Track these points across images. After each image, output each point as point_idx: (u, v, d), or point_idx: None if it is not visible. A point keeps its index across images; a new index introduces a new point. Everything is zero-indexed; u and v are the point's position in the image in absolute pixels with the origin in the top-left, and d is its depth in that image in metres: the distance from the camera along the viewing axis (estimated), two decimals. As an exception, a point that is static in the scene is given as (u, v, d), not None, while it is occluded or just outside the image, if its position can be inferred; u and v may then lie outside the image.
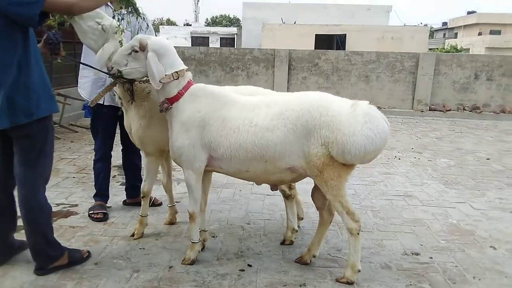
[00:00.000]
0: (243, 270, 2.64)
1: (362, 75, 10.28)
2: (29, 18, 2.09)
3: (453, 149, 6.47)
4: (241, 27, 28.49)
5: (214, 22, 59.92)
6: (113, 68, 2.59)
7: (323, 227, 2.70)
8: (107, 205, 3.55)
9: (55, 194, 3.88)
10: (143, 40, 2.48)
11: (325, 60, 10.30)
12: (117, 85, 2.81)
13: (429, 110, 10.05)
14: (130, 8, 2.84)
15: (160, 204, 3.73)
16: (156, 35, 3.05)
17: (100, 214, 3.35)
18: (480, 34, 39.79)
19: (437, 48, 35.39)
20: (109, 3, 3.04)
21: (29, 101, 2.23)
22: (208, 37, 33.74)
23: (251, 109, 2.41)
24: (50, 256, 2.50)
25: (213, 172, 2.77)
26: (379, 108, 2.55)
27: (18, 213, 2.50)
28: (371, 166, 5.04)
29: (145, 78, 2.65)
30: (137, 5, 2.97)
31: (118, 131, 3.57)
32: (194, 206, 2.64)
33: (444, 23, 51.16)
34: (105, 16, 2.66)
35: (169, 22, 52.62)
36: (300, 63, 10.28)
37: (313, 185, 2.62)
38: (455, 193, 4.32)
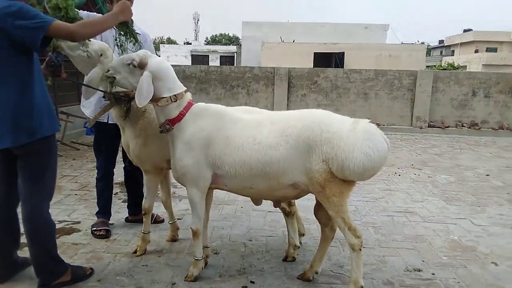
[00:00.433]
0: (246, 287, 2.64)
1: (361, 92, 10.39)
2: (32, 43, 2.14)
3: (452, 165, 6.51)
4: (240, 45, 28.89)
5: (214, 40, 60.75)
6: (107, 92, 2.65)
7: (325, 243, 2.72)
8: (109, 222, 3.57)
9: (58, 211, 3.89)
10: (143, 60, 2.48)
11: (324, 78, 10.43)
12: (113, 106, 2.87)
13: (428, 127, 10.12)
14: (128, 35, 2.88)
15: (162, 221, 3.74)
16: (156, 54, 3.12)
17: (102, 231, 3.36)
18: (476, 51, 40.31)
19: (434, 66, 35.81)
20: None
21: (31, 121, 2.26)
22: (208, 55, 34.19)
23: (255, 127, 2.46)
24: (54, 272, 2.51)
25: (215, 189, 2.80)
26: (378, 125, 2.60)
27: (22, 230, 2.51)
28: (372, 183, 5.06)
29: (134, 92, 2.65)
30: (136, 30, 3.04)
31: (120, 148, 3.61)
32: (198, 223, 2.66)
33: (441, 41, 51.90)
34: (91, 42, 2.70)
35: (170, 41, 53.32)
36: (300, 80, 10.41)
37: (315, 202, 2.65)
38: (456, 209, 4.33)
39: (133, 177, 3.69)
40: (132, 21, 2.99)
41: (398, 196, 4.74)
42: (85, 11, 3.06)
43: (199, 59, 32.87)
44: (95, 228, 3.39)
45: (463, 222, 3.96)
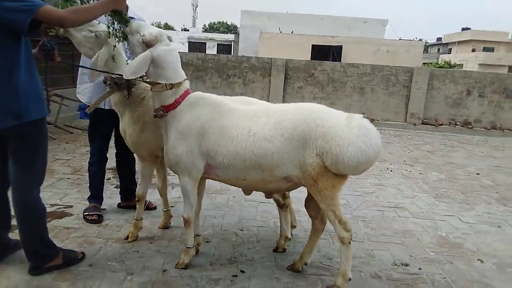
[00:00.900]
0: (236, 276, 2.67)
1: (357, 87, 10.41)
2: (20, 25, 2.11)
3: (444, 163, 6.58)
4: (238, 34, 28.69)
5: (212, 28, 60.19)
6: (108, 78, 2.64)
7: (315, 236, 2.75)
8: (101, 207, 3.57)
9: (50, 194, 3.89)
10: (151, 41, 2.43)
11: (321, 70, 10.42)
12: (114, 92, 2.86)
13: (422, 124, 10.19)
14: (121, 23, 2.83)
15: (155, 208, 3.76)
16: None
17: (95, 216, 3.37)
18: (473, 50, 40.45)
19: (431, 63, 35.89)
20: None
21: (18, 104, 2.24)
22: (206, 42, 33.91)
23: (250, 118, 2.46)
24: (45, 256, 2.52)
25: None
26: (372, 120, 2.63)
27: (13, 213, 2.51)
28: (364, 177, 5.11)
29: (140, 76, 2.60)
30: (131, 15, 2.99)
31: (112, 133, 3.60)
32: (190, 212, 2.67)
33: (439, 39, 51.93)
34: (98, 24, 2.69)
35: (167, 27, 52.69)
36: (297, 72, 10.39)
37: (307, 194, 2.68)
38: (445, 206, 4.40)
39: (125, 163, 3.69)
40: (127, 7, 2.94)
41: (389, 192, 4.79)
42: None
43: (196, 46, 32.61)
44: (87, 213, 3.40)
45: (452, 219, 4.02)
